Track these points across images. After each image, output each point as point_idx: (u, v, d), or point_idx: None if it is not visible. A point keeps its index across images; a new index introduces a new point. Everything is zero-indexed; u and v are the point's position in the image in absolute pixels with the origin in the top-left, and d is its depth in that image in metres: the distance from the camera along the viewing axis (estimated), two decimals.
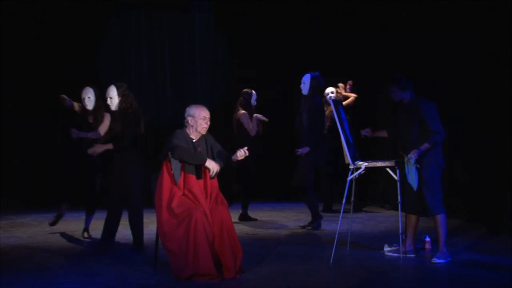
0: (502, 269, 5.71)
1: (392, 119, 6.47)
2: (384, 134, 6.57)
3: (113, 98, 6.68)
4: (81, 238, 7.47)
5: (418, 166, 5.98)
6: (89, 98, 7.23)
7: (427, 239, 6.49)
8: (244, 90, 8.60)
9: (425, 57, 8.75)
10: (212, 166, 5.58)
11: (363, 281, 5.42)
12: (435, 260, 5.99)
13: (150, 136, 8.73)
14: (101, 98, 7.21)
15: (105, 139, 6.90)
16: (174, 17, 11.09)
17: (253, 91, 8.58)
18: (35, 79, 10.42)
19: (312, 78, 7.75)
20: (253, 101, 8.56)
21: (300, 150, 7.75)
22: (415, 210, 6.18)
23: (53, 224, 7.61)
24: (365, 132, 6.52)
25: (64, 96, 7.39)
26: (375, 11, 9.82)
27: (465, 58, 8.23)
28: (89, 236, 7.49)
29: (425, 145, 5.96)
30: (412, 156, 5.92)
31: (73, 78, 7.61)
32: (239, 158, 5.73)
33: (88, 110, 7.29)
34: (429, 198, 6.01)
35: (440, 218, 6.04)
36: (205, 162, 5.56)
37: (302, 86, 7.82)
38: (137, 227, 6.73)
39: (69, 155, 7.40)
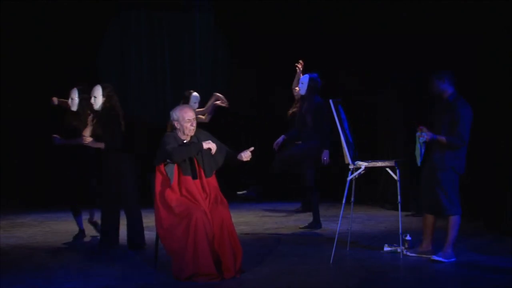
0: (502, 269, 5.70)
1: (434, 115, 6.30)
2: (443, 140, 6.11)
3: (97, 97, 6.63)
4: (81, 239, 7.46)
5: (423, 142, 5.93)
6: (72, 100, 7.19)
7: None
8: (187, 91, 8.33)
9: (425, 57, 8.75)
10: (209, 145, 5.56)
11: (363, 281, 5.42)
12: (434, 257, 5.98)
13: (150, 136, 8.74)
14: (87, 100, 7.07)
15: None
16: (174, 17, 11.09)
17: (194, 93, 8.17)
18: (35, 79, 10.43)
19: (310, 79, 7.76)
20: (193, 103, 8.08)
21: (324, 158, 7.75)
22: (431, 210, 6.17)
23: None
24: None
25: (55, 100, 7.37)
26: (375, 11, 9.82)
27: (465, 58, 8.23)
28: (87, 235, 7.48)
29: (442, 137, 5.92)
30: (424, 135, 5.90)
31: (73, 78, 7.61)
32: (245, 159, 5.71)
33: (73, 112, 7.25)
34: (442, 199, 6.00)
35: (452, 219, 6.02)
36: (202, 147, 5.55)
37: (300, 86, 7.84)
38: (135, 226, 6.72)
39: (69, 155, 7.39)
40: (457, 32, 8.28)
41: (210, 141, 5.62)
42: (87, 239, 7.44)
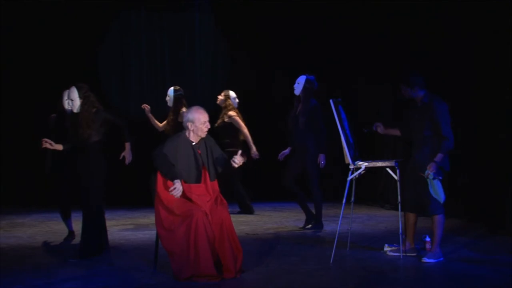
0: (502, 269, 5.70)
1: (406, 119, 6.37)
2: (396, 132, 6.46)
3: (75, 100, 6.46)
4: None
5: (440, 178, 5.95)
6: (73, 101, 6.94)
7: (427, 239, 6.48)
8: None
9: (425, 56, 8.75)
10: (177, 187, 5.39)
11: (363, 281, 5.42)
12: (425, 259, 6.00)
13: (150, 136, 8.74)
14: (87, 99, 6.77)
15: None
16: (174, 17, 11.09)
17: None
18: (35, 79, 10.43)
19: (306, 81, 7.77)
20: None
21: (322, 162, 7.76)
22: (413, 209, 6.18)
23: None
24: (376, 126, 6.45)
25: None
26: (375, 11, 9.83)
27: (465, 58, 8.24)
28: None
29: (439, 156, 5.91)
30: (429, 171, 5.90)
31: (73, 78, 7.58)
32: (237, 165, 5.70)
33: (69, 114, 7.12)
34: (429, 198, 6.01)
35: (438, 218, 6.04)
36: (173, 180, 5.42)
37: (295, 86, 7.85)
38: (84, 232, 6.45)
39: (64, 157, 7.29)
40: (457, 32, 8.29)
41: (179, 185, 5.43)
42: (76, 241, 7.39)
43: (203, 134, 5.67)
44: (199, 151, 5.68)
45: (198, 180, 5.61)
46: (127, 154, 6.63)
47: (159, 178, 5.60)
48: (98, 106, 6.56)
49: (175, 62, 11.14)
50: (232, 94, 9.06)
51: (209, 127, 5.68)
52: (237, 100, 9.08)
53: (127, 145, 6.63)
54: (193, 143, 5.68)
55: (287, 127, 8.03)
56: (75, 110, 6.52)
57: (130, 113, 8.78)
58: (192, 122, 5.61)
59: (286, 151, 8.01)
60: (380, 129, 6.45)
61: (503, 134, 7.61)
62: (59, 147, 6.54)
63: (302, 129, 7.76)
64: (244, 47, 10.95)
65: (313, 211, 7.97)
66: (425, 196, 6.02)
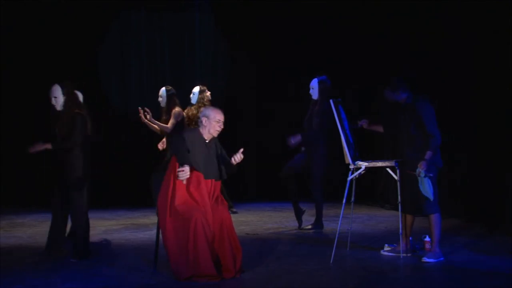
0: (501, 269, 5.71)
1: (390, 118, 6.49)
2: (380, 129, 6.61)
3: (58, 97, 6.41)
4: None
5: (431, 175, 5.98)
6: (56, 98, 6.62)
7: (427, 239, 6.49)
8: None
9: (425, 56, 8.75)
10: (185, 170, 5.38)
11: (363, 281, 5.43)
12: (425, 259, 6.01)
13: (150, 136, 8.73)
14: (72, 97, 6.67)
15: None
16: (174, 17, 11.08)
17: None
18: (35, 79, 10.41)
19: (319, 82, 7.75)
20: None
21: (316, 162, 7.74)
22: (411, 210, 6.19)
23: None
24: (362, 122, 6.56)
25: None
26: (374, 11, 9.82)
27: (465, 58, 8.24)
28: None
29: (429, 153, 5.97)
30: (421, 169, 5.94)
31: (73, 78, 7.58)
32: (236, 162, 5.72)
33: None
34: (423, 198, 6.01)
35: (434, 217, 6.05)
36: (182, 164, 5.40)
37: (311, 91, 7.81)
38: (76, 233, 6.43)
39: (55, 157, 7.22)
40: (457, 31, 8.29)
41: (188, 170, 5.41)
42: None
43: (215, 133, 5.69)
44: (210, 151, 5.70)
45: (218, 177, 5.64)
46: (37, 146, 6.41)
47: (168, 172, 5.57)
48: (81, 110, 6.47)
49: (175, 62, 11.13)
50: (194, 89, 8.77)
51: (222, 127, 5.70)
52: (191, 95, 8.73)
53: (47, 144, 6.39)
54: (206, 141, 5.69)
55: (303, 128, 8.02)
56: (58, 108, 6.48)
57: (130, 113, 8.75)
58: (207, 117, 5.65)
59: (298, 138, 7.74)
60: (365, 125, 6.61)
61: (503, 133, 7.61)
62: (48, 146, 6.46)
63: (315, 129, 7.74)
64: (244, 47, 10.94)
65: (303, 209, 8.00)
66: (420, 196, 6.03)
